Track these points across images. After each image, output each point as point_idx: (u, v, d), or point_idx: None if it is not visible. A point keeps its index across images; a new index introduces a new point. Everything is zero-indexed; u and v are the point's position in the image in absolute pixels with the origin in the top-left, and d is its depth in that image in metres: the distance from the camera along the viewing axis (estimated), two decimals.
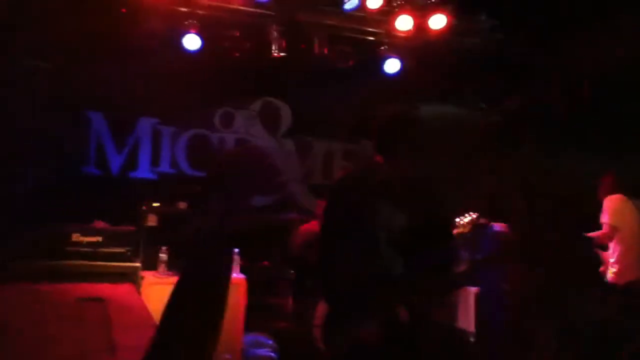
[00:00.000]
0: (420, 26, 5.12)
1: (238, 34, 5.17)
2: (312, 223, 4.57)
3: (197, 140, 5.97)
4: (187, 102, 5.62)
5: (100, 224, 4.50)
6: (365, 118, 2.46)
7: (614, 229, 4.84)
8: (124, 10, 4.84)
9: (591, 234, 5.00)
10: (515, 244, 4.84)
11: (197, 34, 4.98)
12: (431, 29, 5.12)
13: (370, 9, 5.01)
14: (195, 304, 1.10)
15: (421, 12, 5.08)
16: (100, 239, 4.26)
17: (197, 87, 5.51)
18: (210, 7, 4.96)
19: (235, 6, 4.99)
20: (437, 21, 5.07)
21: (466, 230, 4.54)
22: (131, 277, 4.07)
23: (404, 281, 2.43)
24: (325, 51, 5.28)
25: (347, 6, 5.04)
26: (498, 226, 4.46)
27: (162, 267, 4.66)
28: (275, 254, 5.37)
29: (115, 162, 5.78)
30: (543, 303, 4.89)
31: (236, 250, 4.58)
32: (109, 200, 5.03)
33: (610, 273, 4.85)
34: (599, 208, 4.95)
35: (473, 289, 4.77)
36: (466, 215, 4.52)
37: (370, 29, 5.31)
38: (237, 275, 4.44)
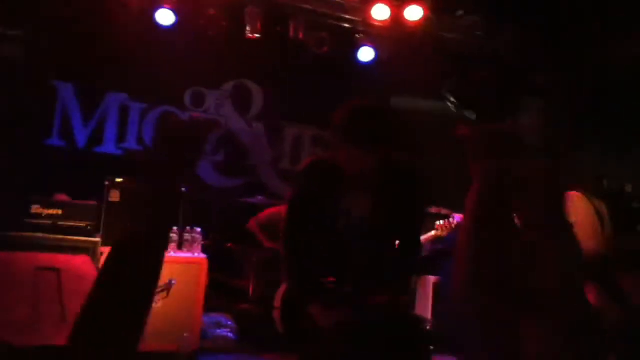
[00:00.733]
0: (397, 16, 5.13)
1: (214, 13, 5.10)
2: (280, 207, 4.57)
3: None
4: (158, 79, 5.54)
5: (61, 197, 4.41)
6: (335, 107, 2.48)
7: None
8: None
9: None
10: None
11: (172, 9, 4.90)
12: (407, 20, 5.13)
13: None
14: (133, 258, 1.09)
15: (398, 2, 5.09)
16: (60, 211, 4.17)
17: (169, 64, 5.44)
18: None
19: None
20: (414, 13, 5.09)
21: (444, 233, 4.64)
22: (90, 252, 4.00)
23: (359, 265, 2.48)
24: (301, 36, 5.26)
25: None
26: (459, 217, 4.52)
27: None
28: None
29: (81, 135, 5.69)
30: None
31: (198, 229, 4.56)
32: (73, 174, 4.95)
33: None
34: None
35: (432, 278, 4.84)
36: (448, 219, 4.60)
37: (347, 16, 5.30)
38: (198, 255, 4.42)
